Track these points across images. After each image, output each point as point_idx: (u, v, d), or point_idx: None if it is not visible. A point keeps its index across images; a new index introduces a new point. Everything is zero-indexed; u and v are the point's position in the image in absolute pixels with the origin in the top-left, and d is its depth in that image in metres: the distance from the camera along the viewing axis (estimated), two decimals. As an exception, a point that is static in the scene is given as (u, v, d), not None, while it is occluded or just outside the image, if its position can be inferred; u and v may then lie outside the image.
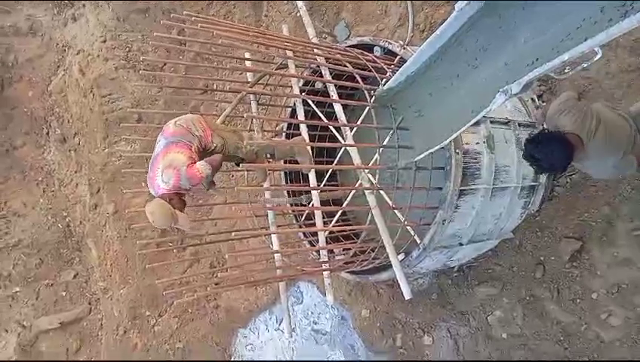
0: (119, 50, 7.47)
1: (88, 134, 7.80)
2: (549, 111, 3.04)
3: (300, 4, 4.03)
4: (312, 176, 3.62)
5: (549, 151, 2.77)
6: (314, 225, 3.72)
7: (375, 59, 3.65)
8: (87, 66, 7.59)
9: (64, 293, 8.20)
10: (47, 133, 8.46)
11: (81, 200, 8.18)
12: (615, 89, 4.09)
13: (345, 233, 4.23)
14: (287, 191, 4.75)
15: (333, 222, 4.14)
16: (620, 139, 2.93)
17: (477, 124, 3.35)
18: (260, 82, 4.22)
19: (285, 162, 4.27)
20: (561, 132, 2.84)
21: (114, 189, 7.53)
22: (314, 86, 4.36)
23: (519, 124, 4.00)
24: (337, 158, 4.31)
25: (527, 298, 4.58)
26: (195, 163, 3.20)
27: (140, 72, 7.24)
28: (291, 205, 4.70)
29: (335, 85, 3.51)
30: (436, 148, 2.96)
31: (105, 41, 7.47)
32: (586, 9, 2.12)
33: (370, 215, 3.34)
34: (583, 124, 2.86)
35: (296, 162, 3.93)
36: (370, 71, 3.48)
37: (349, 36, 5.63)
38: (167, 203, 3.15)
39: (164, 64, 7.16)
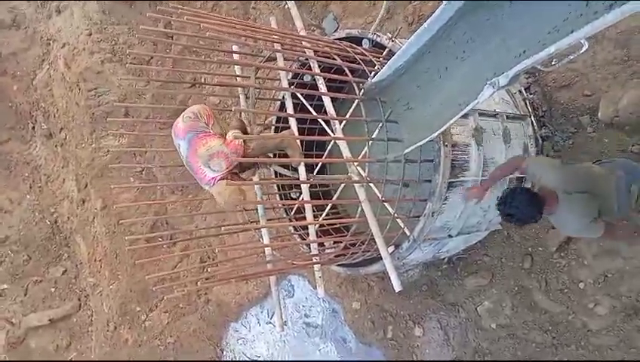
0: (105, 43, 7.38)
1: (75, 129, 7.71)
2: (530, 168, 3.13)
3: (288, -4, 4.00)
4: (301, 170, 3.62)
5: (515, 206, 2.88)
6: (304, 218, 3.72)
7: (364, 51, 3.64)
8: (73, 60, 7.49)
9: (53, 290, 8.14)
10: (33, 128, 8.36)
11: (68, 195, 8.10)
12: (601, 81, 4.13)
13: (335, 226, 4.24)
14: (277, 185, 4.74)
15: (323, 216, 4.14)
16: (592, 207, 2.96)
17: (465, 116, 3.36)
18: (247, 75, 4.20)
19: (275, 155, 4.26)
20: (525, 188, 2.96)
21: (102, 184, 7.46)
22: (302, 79, 4.34)
23: (507, 116, 4.02)
24: (327, 151, 4.30)
25: (516, 288, 4.63)
26: (226, 139, 3.40)
27: (127, 65, 7.16)
28: (281, 198, 4.70)
29: (324, 78, 3.50)
30: (425, 140, 2.97)
31: (90, 34, 7.37)
32: (572, 2, 2.13)
33: (359, 208, 3.35)
34: (564, 183, 2.95)
35: (286, 155, 3.92)
36: (358, 64, 3.47)
37: (337, 29, 5.61)
38: (229, 180, 3.33)
39: (151, 57, 7.08)
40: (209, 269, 6.08)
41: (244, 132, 3.77)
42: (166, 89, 6.69)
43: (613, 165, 3.37)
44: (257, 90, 4.12)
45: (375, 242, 3.24)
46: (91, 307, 7.96)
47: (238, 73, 4.32)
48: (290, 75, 4.16)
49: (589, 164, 3.37)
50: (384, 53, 3.63)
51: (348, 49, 3.62)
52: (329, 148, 4.27)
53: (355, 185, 3.35)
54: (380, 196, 3.50)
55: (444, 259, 4.94)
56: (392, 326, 5.37)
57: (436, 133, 2.91)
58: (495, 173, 3.38)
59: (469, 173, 3.60)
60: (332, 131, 3.58)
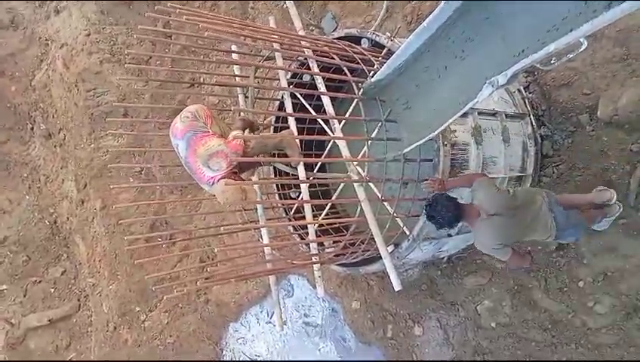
0: (104, 43, 7.37)
1: (74, 129, 7.71)
2: (475, 185, 3.33)
3: (286, -4, 4.00)
4: (301, 169, 3.61)
5: (438, 210, 3.15)
6: (303, 218, 3.72)
7: (363, 51, 3.64)
8: (71, 60, 7.48)
9: (52, 290, 8.14)
10: (32, 129, 8.35)
11: (67, 196, 8.10)
12: (600, 79, 4.12)
13: (334, 225, 4.23)
14: (276, 185, 4.73)
15: (322, 215, 4.14)
16: (505, 235, 3.25)
17: (464, 115, 3.36)
18: (246, 75, 4.19)
19: (274, 155, 4.26)
20: (449, 196, 3.24)
21: (101, 185, 7.46)
22: (302, 78, 4.34)
23: (506, 115, 4.02)
24: (326, 151, 4.30)
25: (515, 287, 4.63)
26: (226, 138, 3.39)
27: (126, 65, 7.15)
28: (280, 198, 4.69)
29: (323, 77, 3.49)
30: (424, 140, 2.97)
31: (89, 35, 7.37)
32: (571, 0, 2.13)
33: (359, 207, 3.35)
34: (490, 206, 3.20)
35: (286, 155, 3.91)
36: (357, 63, 3.47)
37: (336, 28, 5.61)
38: (231, 180, 3.31)
39: (150, 57, 7.08)
40: (208, 269, 6.06)
41: (252, 129, 3.76)
42: (165, 89, 6.67)
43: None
44: (256, 90, 4.12)
45: (375, 241, 3.24)
46: (91, 307, 7.96)
47: (237, 73, 4.31)
48: (289, 75, 4.16)
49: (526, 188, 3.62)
50: (383, 53, 3.62)
51: (347, 48, 3.62)
52: (328, 147, 4.27)
53: (354, 184, 3.35)
54: (379, 195, 3.50)
55: (443, 258, 4.94)
56: (392, 325, 5.37)
57: (435, 133, 2.90)
58: (458, 180, 3.55)
59: (469, 172, 3.59)
60: (331, 131, 3.58)
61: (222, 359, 6.75)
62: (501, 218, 3.19)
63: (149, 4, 7.01)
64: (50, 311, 8.00)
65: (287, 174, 4.62)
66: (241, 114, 4.17)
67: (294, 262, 3.89)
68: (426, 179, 3.42)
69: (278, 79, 3.97)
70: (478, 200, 3.25)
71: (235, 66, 4.29)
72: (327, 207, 4.22)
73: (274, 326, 6.25)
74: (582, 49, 2.36)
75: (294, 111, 3.80)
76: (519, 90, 4.41)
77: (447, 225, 3.21)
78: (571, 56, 2.50)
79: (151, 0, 7.00)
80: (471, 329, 4.88)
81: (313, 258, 3.66)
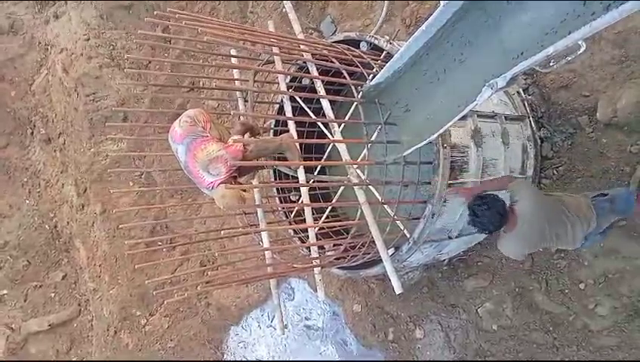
0: (103, 48, 7.38)
1: (73, 134, 7.71)
2: (514, 190, 3.29)
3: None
4: (301, 172, 3.62)
5: (486, 213, 3.09)
6: (304, 221, 3.72)
7: (362, 54, 3.64)
8: (71, 65, 7.49)
9: (53, 295, 8.13)
10: (32, 134, 8.35)
11: (67, 200, 8.09)
12: (599, 81, 4.13)
13: (335, 229, 4.23)
14: (276, 188, 4.73)
15: (323, 218, 4.14)
16: (536, 246, 3.36)
17: (464, 118, 3.33)
18: (246, 79, 4.20)
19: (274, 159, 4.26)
20: (504, 203, 3.16)
21: (101, 189, 7.46)
22: (301, 82, 4.34)
23: (505, 117, 4.03)
24: (326, 154, 4.30)
25: (517, 289, 4.63)
26: (226, 142, 3.38)
27: (125, 70, 7.16)
28: (280, 201, 4.69)
29: (322, 81, 3.50)
30: (424, 143, 2.97)
31: (88, 40, 7.38)
32: (569, 3, 2.13)
33: (359, 210, 3.35)
34: (532, 215, 3.15)
35: (285, 159, 3.92)
36: (356, 66, 3.48)
37: (335, 32, 5.61)
38: (230, 185, 3.32)
39: (149, 62, 7.09)
40: (209, 273, 6.07)
41: (252, 133, 3.76)
42: (164, 93, 6.69)
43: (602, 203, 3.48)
44: (256, 94, 4.12)
45: (375, 244, 3.24)
46: (91, 312, 7.95)
47: (236, 77, 4.32)
48: (288, 79, 4.17)
49: (570, 198, 3.54)
50: (382, 56, 3.63)
51: (346, 52, 3.62)
52: (328, 150, 4.27)
53: (354, 187, 3.35)
54: (379, 198, 3.50)
55: (444, 260, 4.93)
56: (393, 328, 5.36)
57: (435, 135, 2.91)
58: (487, 184, 3.55)
59: (468, 175, 3.59)
60: (331, 134, 3.58)
61: (223, 363, 6.75)
62: (537, 229, 3.18)
63: (148, 8, 7.03)
64: (50, 316, 7.99)
65: (288, 177, 4.62)
66: (241, 118, 4.17)
67: (295, 265, 3.89)
68: (451, 185, 3.40)
69: (278, 83, 3.97)
70: (520, 207, 3.17)
71: (234, 70, 4.29)
72: (328, 210, 4.21)
73: (275, 329, 6.24)
74: (580, 51, 2.37)
75: (294, 114, 3.81)
76: (518, 93, 4.41)
77: (490, 230, 3.16)
78: (570, 58, 2.51)
79: (151, 0, 7.02)
80: (472, 331, 4.87)
81: (314, 261, 3.66)
